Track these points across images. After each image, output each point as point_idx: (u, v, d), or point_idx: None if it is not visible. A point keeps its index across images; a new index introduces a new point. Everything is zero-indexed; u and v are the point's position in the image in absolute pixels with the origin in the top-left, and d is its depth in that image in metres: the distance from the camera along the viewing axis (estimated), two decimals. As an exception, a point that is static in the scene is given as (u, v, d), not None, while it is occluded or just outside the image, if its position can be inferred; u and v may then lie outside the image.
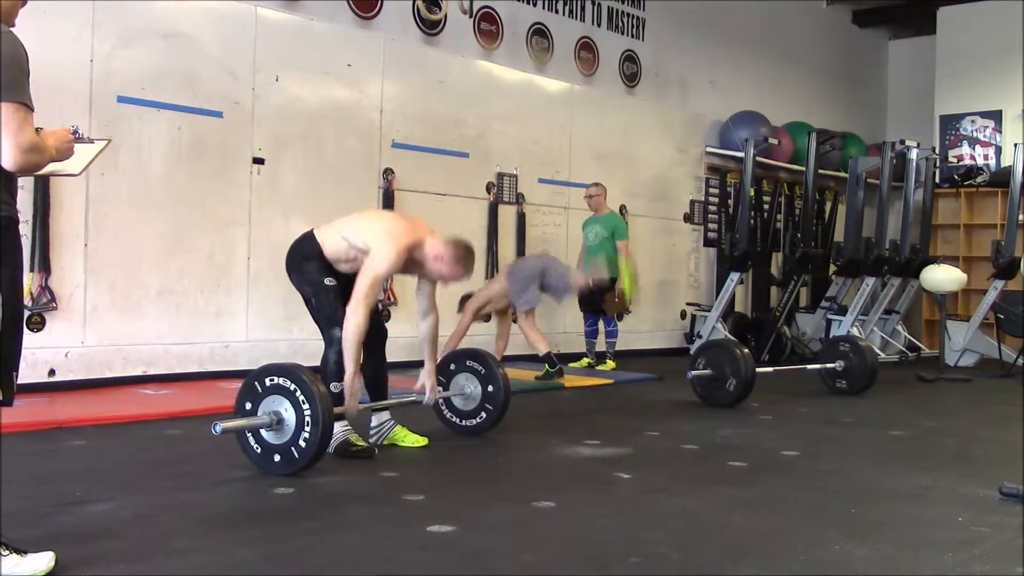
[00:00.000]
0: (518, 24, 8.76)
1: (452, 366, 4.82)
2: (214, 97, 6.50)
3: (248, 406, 3.79)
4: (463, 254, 4.27)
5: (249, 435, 3.78)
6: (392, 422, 4.48)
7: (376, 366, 4.44)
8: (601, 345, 8.22)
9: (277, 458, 3.72)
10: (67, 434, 4.54)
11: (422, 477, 3.92)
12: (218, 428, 3.59)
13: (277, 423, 3.71)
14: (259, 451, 3.77)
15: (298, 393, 3.69)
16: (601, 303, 8.02)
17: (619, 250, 8.00)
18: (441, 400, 4.80)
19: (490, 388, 4.72)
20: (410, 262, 4.25)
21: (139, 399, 5.57)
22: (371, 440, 4.37)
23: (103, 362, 5.97)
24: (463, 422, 4.81)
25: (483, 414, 4.75)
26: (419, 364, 4.59)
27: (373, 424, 4.46)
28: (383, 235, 4.16)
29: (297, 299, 4.48)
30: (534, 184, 8.67)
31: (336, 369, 4.13)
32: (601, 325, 8.20)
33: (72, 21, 5.80)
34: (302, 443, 3.67)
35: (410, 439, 4.47)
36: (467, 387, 4.77)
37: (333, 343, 4.16)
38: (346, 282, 4.22)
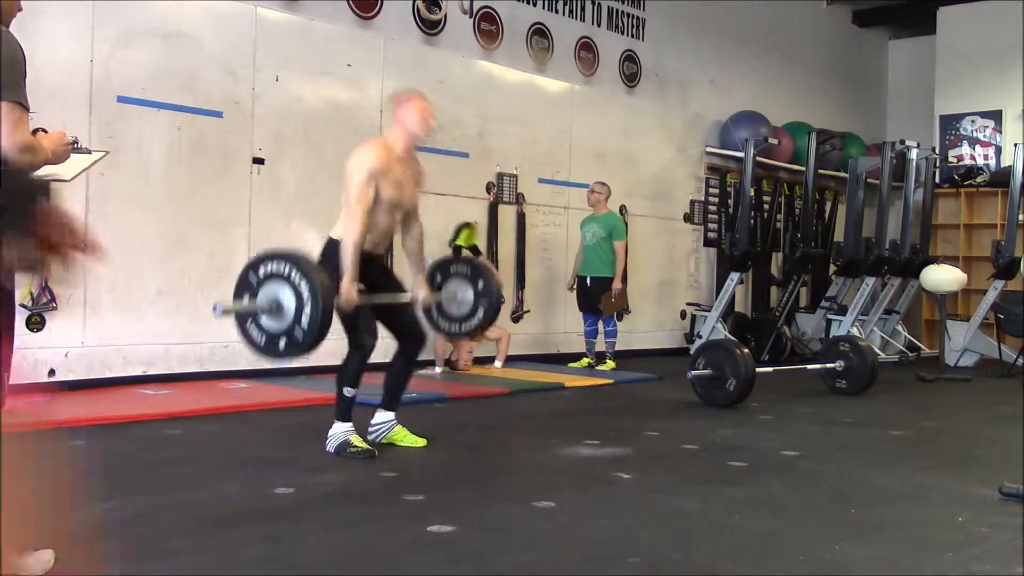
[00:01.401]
0: (518, 24, 8.76)
1: (438, 276, 4.73)
2: (214, 97, 6.50)
3: (246, 300, 3.75)
4: (410, 90, 4.40)
5: (252, 327, 3.71)
6: (393, 422, 4.47)
7: (404, 368, 4.44)
8: (601, 345, 8.22)
9: (283, 343, 3.66)
10: (67, 434, 4.53)
11: (422, 477, 3.92)
12: (218, 310, 3.56)
13: (276, 308, 3.65)
14: (263, 341, 3.70)
15: (293, 273, 3.64)
16: (598, 303, 8.03)
17: (616, 251, 8.01)
18: (434, 311, 4.71)
19: (480, 284, 4.64)
20: (391, 174, 4.18)
21: (139, 399, 5.57)
22: (370, 437, 4.37)
23: (103, 362, 5.97)
24: (461, 327, 4.72)
25: (479, 313, 4.66)
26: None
27: (374, 422, 4.45)
28: (353, 155, 4.20)
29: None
30: (534, 184, 8.67)
31: (353, 374, 4.16)
32: (601, 325, 8.20)
33: (72, 21, 5.80)
34: (304, 321, 3.61)
35: (409, 439, 4.46)
36: (458, 291, 4.69)
37: (360, 347, 4.17)
38: (374, 279, 4.25)
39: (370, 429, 4.42)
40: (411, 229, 4.47)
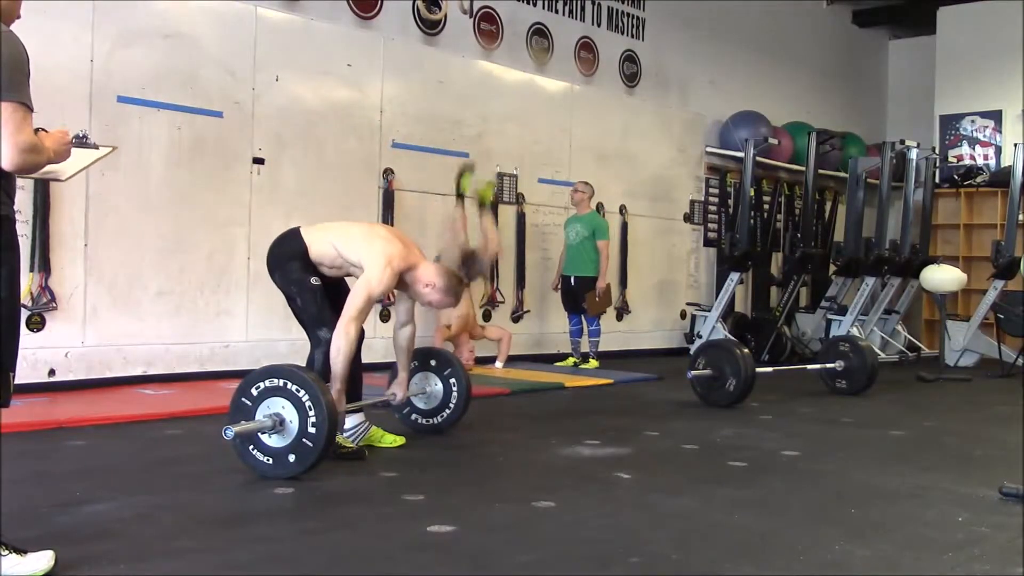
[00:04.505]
0: (518, 24, 8.76)
1: (411, 366, 4.77)
2: (214, 97, 6.50)
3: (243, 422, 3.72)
4: (454, 284, 4.29)
5: (255, 452, 3.68)
6: (367, 423, 4.41)
7: (354, 368, 4.38)
8: (586, 345, 8.24)
9: (292, 458, 3.63)
10: (67, 434, 4.53)
11: (422, 477, 3.92)
12: (230, 433, 3.53)
13: (279, 423, 3.64)
14: (271, 461, 3.66)
15: (289, 386, 3.63)
16: (582, 302, 8.05)
17: (599, 250, 8.04)
18: (408, 409, 4.81)
19: (452, 382, 4.73)
20: (400, 283, 4.27)
21: (139, 399, 5.57)
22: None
23: (103, 362, 5.97)
24: (427, 421, 4.79)
25: (447, 410, 4.74)
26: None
27: (348, 426, 4.35)
28: (380, 256, 4.13)
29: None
30: (534, 184, 8.67)
31: (323, 371, 4.08)
32: (585, 324, 8.22)
33: (72, 21, 5.80)
34: (311, 430, 3.59)
35: (387, 439, 4.43)
36: (426, 385, 4.76)
37: (320, 344, 4.14)
38: (329, 282, 4.24)
39: (345, 434, 4.30)
40: (405, 326, 4.49)
